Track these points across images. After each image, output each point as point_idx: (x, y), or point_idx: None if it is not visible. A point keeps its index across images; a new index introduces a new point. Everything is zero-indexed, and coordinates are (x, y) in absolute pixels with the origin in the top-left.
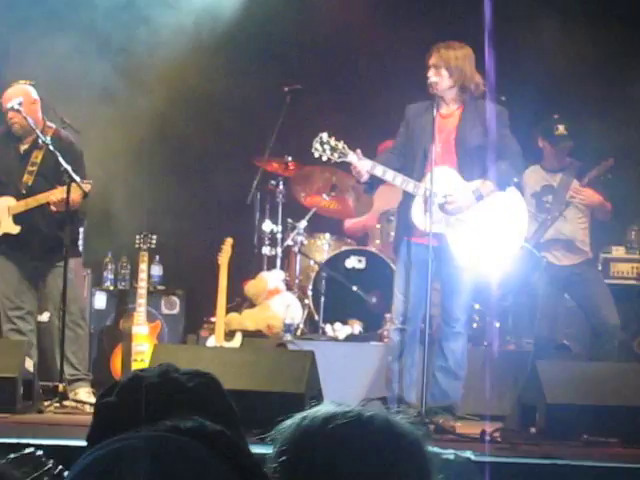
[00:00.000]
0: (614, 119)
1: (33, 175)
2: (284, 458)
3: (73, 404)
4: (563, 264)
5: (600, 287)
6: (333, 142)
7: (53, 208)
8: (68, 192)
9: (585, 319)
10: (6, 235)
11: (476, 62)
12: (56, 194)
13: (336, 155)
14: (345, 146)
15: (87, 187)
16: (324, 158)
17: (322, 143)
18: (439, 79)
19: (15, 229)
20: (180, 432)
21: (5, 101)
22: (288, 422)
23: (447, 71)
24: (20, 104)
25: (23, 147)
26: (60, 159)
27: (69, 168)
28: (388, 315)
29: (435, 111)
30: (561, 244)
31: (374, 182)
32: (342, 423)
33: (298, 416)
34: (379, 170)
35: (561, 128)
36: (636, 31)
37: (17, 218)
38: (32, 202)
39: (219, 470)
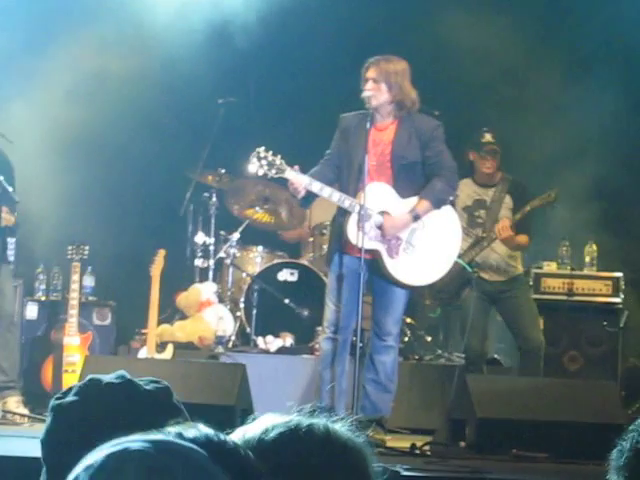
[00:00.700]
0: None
1: None
2: None
3: (1, 414)
4: (493, 279)
5: (527, 304)
6: (270, 157)
7: None
8: None
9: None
10: None
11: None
12: None
13: (273, 171)
14: (282, 162)
15: (10, 219)
16: (260, 173)
17: (259, 158)
18: (377, 93)
19: None
20: (184, 439)
21: None
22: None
23: (386, 85)
24: None
25: None
26: None
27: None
28: (320, 328)
29: (369, 124)
30: (492, 264)
31: (310, 197)
32: (281, 432)
33: (240, 429)
34: (316, 186)
35: (487, 136)
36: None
37: None
38: None
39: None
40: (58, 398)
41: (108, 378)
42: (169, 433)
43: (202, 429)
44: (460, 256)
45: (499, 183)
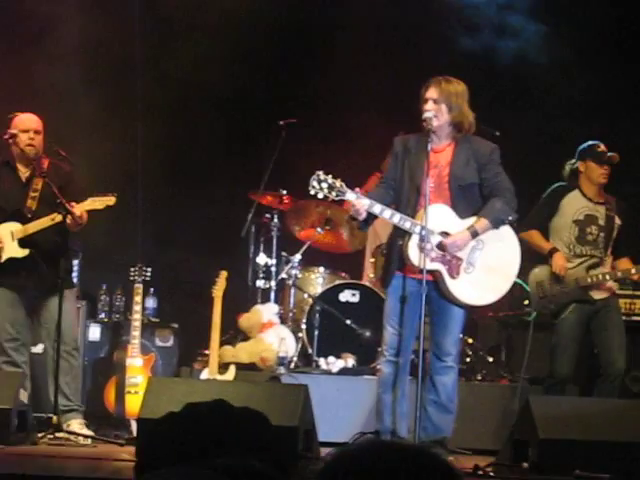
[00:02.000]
0: None
1: (36, 201)
2: None
3: (66, 436)
4: (597, 297)
5: (618, 327)
6: (330, 180)
7: (68, 222)
8: (64, 222)
9: (587, 355)
10: (9, 261)
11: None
12: (54, 218)
13: (334, 193)
14: (343, 184)
15: (112, 200)
16: (321, 196)
17: (320, 181)
18: (438, 114)
19: (21, 252)
20: (229, 472)
21: (24, 124)
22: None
23: (447, 107)
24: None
25: (24, 175)
26: (55, 189)
27: (63, 200)
28: (381, 349)
29: (429, 146)
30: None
31: (369, 219)
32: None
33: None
34: (377, 208)
35: (602, 146)
36: None
37: (22, 243)
38: (38, 225)
39: None
40: (157, 425)
41: (204, 408)
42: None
43: (250, 463)
44: (577, 275)
45: (606, 201)
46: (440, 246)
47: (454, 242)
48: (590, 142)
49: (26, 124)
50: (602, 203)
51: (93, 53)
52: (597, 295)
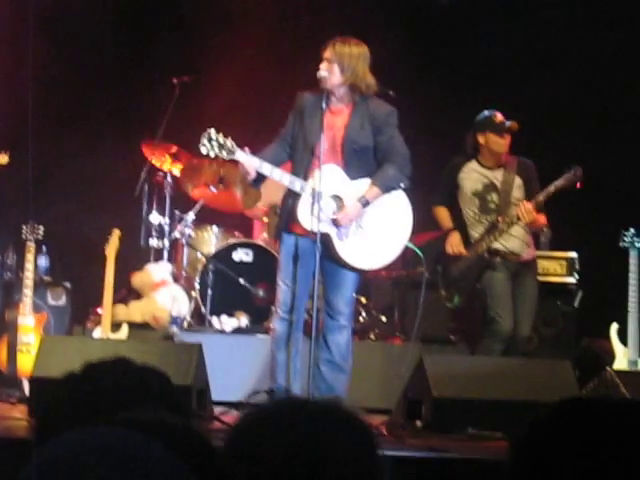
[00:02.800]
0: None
1: None
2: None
3: None
4: (514, 261)
5: (531, 293)
6: (221, 139)
7: None
8: None
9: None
10: None
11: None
12: None
13: (224, 152)
14: (233, 143)
15: (4, 159)
16: (212, 154)
17: (210, 140)
18: (330, 74)
19: None
20: (138, 426)
21: None
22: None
23: (339, 67)
24: None
25: None
26: None
27: None
28: (274, 308)
29: (325, 106)
30: (513, 250)
31: (261, 177)
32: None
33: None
34: (266, 169)
35: (499, 116)
36: None
37: None
38: None
39: (176, 471)
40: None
41: (103, 363)
42: (124, 420)
43: (159, 416)
44: (475, 243)
45: (505, 164)
46: (334, 221)
47: (346, 216)
48: (486, 112)
49: None
50: (499, 167)
51: None
52: (508, 257)
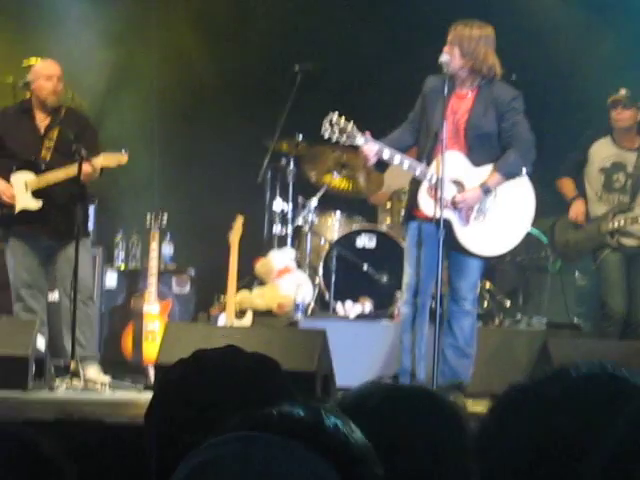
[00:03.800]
0: None
1: (51, 151)
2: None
3: (86, 381)
4: (631, 244)
5: None
6: (342, 123)
7: (83, 171)
8: (79, 170)
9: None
10: (22, 212)
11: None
12: (67, 172)
13: (344, 137)
14: (354, 128)
15: (124, 158)
16: (333, 139)
17: (332, 124)
18: (450, 58)
19: (34, 205)
20: (275, 429)
21: (47, 70)
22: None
23: (459, 50)
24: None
25: (42, 123)
26: (71, 136)
27: (81, 146)
28: (399, 293)
29: (446, 90)
30: (633, 234)
31: (384, 162)
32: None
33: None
34: (386, 154)
35: (622, 91)
36: None
37: (36, 194)
38: (52, 178)
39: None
40: (166, 373)
41: (212, 352)
42: (266, 421)
43: (300, 413)
44: (600, 220)
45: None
46: (452, 202)
47: (465, 200)
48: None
49: (50, 70)
50: (635, 149)
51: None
52: (627, 242)
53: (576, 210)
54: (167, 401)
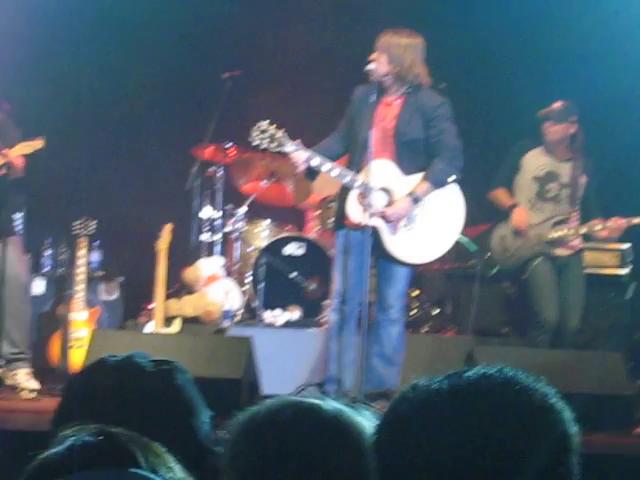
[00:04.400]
0: None
1: None
2: (237, 450)
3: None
4: (561, 254)
5: (578, 285)
6: (272, 130)
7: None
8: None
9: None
10: None
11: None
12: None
13: (274, 144)
14: (285, 135)
15: (39, 143)
16: (263, 146)
17: (262, 131)
18: (377, 65)
19: None
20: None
21: None
22: (241, 415)
23: (387, 57)
24: None
25: None
26: None
27: None
28: (327, 301)
29: (374, 98)
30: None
31: (313, 170)
32: (293, 414)
33: (252, 409)
34: (316, 161)
35: (557, 104)
36: None
37: None
38: None
39: None
40: (71, 380)
41: (114, 360)
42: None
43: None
44: (539, 229)
45: (574, 158)
46: (382, 216)
47: (395, 212)
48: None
49: None
50: (569, 160)
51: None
52: (561, 252)
53: (519, 217)
54: (71, 408)
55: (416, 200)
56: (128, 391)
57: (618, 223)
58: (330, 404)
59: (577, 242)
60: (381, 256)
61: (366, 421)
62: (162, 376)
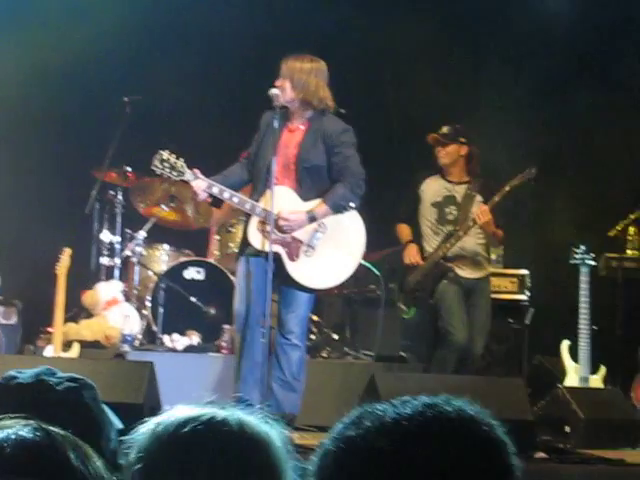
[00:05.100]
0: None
1: None
2: (140, 465)
3: None
4: (467, 276)
5: (485, 310)
6: (173, 160)
7: None
8: None
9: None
10: None
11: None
12: None
13: (175, 173)
14: (184, 165)
15: None
16: (164, 175)
17: (162, 161)
18: (281, 90)
19: None
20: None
21: None
22: (142, 429)
23: (290, 83)
24: None
25: None
26: None
27: None
28: (226, 326)
29: (277, 123)
30: (465, 259)
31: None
32: (195, 426)
33: (152, 421)
34: (216, 190)
35: (444, 128)
36: None
37: None
38: None
39: None
40: None
41: (23, 377)
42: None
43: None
44: (433, 251)
45: (470, 181)
46: (276, 226)
47: (287, 221)
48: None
49: None
50: (464, 182)
51: None
52: (462, 273)
53: (408, 254)
54: None
55: (312, 219)
56: (36, 409)
57: (483, 208)
58: (233, 413)
59: (481, 261)
60: (283, 283)
61: (273, 430)
62: (71, 394)
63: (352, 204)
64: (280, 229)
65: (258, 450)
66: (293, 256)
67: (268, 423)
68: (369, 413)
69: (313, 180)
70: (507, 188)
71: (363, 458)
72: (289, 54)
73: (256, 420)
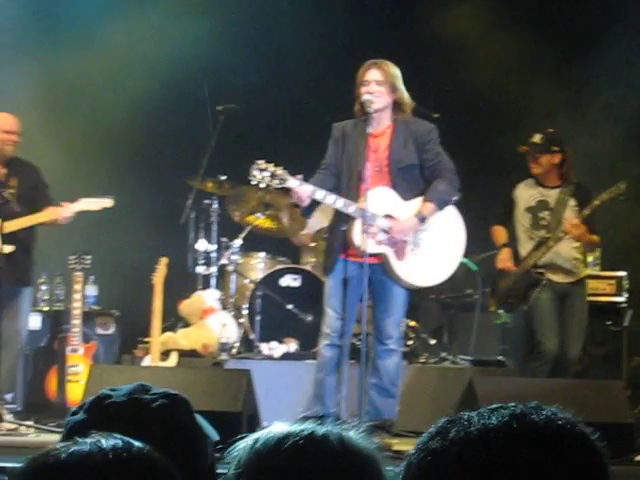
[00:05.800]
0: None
1: (13, 198)
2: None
3: (8, 426)
4: (560, 281)
5: (580, 314)
6: (272, 168)
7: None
8: (46, 216)
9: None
10: None
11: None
12: (49, 215)
13: (276, 181)
14: (285, 172)
15: (109, 202)
16: (263, 185)
17: (261, 170)
18: (381, 96)
19: (6, 249)
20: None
21: (9, 125)
22: (241, 444)
23: (390, 88)
24: None
25: (2, 172)
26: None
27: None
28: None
29: (370, 128)
30: (559, 265)
31: (312, 205)
32: (295, 442)
33: (251, 437)
34: (320, 194)
35: (536, 137)
36: None
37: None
38: (26, 222)
39: None
40: (73, 413)
41: (117, 395)
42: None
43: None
44: (524, 258)
45: (563, 185)
46: (387, 231)
47: (402, 228)
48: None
49: (11, 125)
50: (556, 187)
51: None
52: (555, 278)
53: (502, 258)
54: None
55: (423, 220)
56: (131, 428)
57: (573, 221)
58: (333, 430)
59: (574, 265)
60: (383, 282)
61: (372, 445)
62: (166, 412)
63: (454, 198)
64: (395, 236)
65: (361, 467)
66: (400, 256)
67: (366, 438)
68: (454, 423)
69: (407, 180)
70: (597, 202)
71: (447, 472)
72: (364, 61)
73: (357, 435)
